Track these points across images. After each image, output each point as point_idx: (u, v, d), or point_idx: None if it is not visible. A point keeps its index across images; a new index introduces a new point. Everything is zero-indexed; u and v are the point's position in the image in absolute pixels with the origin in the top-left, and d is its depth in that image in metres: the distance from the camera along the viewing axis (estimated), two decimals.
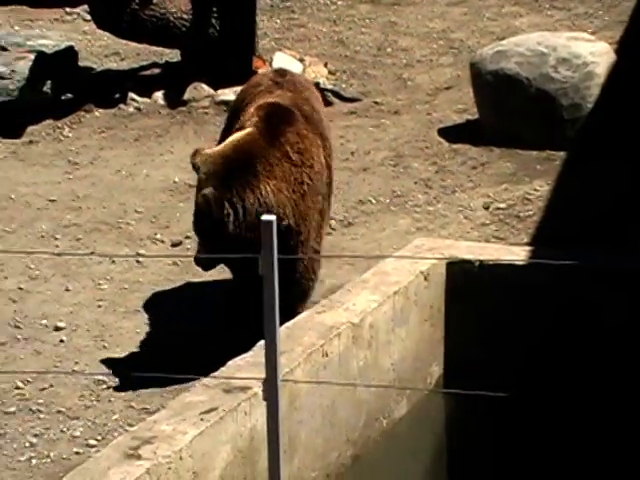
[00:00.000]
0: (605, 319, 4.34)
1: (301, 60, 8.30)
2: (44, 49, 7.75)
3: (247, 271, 4.31)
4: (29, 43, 7.83)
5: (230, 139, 4.58)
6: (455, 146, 6.83)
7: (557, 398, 4.22)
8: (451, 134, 7.01)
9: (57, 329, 5.06)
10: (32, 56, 7.57)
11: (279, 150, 4.48)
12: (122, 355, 4.87)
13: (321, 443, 4.15)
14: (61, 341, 4.97)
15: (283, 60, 8.20)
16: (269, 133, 4.49)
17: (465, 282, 4.59)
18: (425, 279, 4.64)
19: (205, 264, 4.58)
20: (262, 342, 3.32)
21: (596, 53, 6.74)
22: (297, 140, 4.53)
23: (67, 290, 5.42)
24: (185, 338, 4.98)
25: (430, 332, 4.69)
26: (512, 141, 6.59)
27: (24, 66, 7.50)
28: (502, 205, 6.06)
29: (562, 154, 6.55)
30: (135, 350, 4.90)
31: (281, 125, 4.52)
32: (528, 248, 4.75)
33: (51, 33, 8.62)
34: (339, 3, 10.05)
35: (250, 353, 4.13)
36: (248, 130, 4.55)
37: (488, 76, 6.83)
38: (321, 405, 4.12)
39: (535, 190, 6.17)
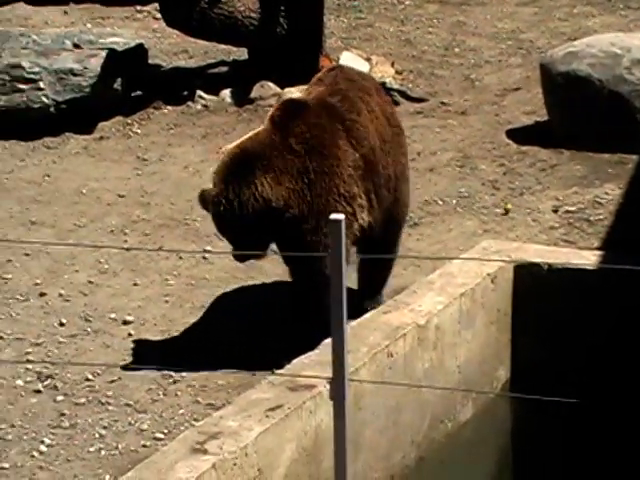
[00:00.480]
0: None
1: (368, 59, 8.28)
2: (115, 47, 7.86)
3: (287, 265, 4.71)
4: (101, 41, 7.95)
5: (241, 138, 4.85)
6: (524, 148, 6.76)
7: (626, 402, 4.16)
8: (519, 136, 6.94)
9: (125, 323, 5.13)
10: (104, 54, 7.68)
11: (281, 144, 4.64)
12: (189, 350, 4.92)
13: (385, 444, 4.15)
14: (129, 335, 5.04)
15: (350, 59, 8.20)
16: (274, 129, 4.69)
17: (533, 285, 4.55)
18: (492, 282, 4.61)
19: (237, 257, 4.85)
20: (328, 340, 3.32)
21: None
22: (303, 130, 4.67)
23: (135, 285, 5.49)
24: (251, 335, 5.01)
25: (496, 335, 4.65)
26: (583, 144, 6.52)
27: (96, 63, 7.61)
28: (572, 208, 5.98)
29: (635, 157, 6.44)
30: (201, 345, 4.94)
31: (288, 119, 4.70)
32: (598, 252, 4.68)
33: (122, 31, 8.74)
34: (407, 3, 10.02)
35: (316, 351, 4.14)
36: (258, 129, 4.82)
37: (559, 77, 6.75)
38: (385, 406, 4.12)
39: (606, 194, 6.07)
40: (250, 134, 4.80)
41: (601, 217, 5.86)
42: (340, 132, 4.76)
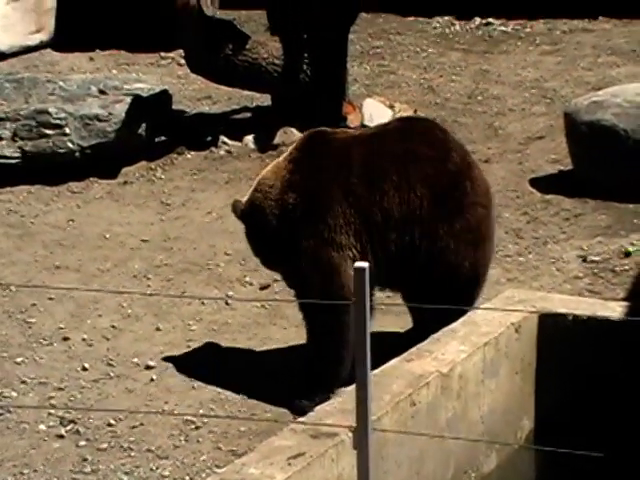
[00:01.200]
0: None
1: (391, 107, 8.33)
2: (140, 92, 7.94)
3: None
4: (126, 87, 8.04)
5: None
6: (548, 197, 6.75)
7: None
8: (543, 184, 6.94)
9: (148, 368, 5.13)
10: (128, 99, 7.76)
11: (284, 167, 5.00)
12: (211, 396, 4.90)
13: None
14: (152, 380, 5.03)
15: (373, 106, 8.26)
16: (285, 158, 5.09)
17: (558, 336, 4.51)
18: (516, 331, 4.57)
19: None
20: (351, 388, 3.31)
21: None
22: (303, 171, 4.95)
23: (158, 329, 5.50)
24: (273, 381, 4.99)
25: (520, 385, 4.61)
26: (608, 193, 6.50)
27: (121, 109, 7.68)
28: (597, 258, 5.96)
29: None
30: (223, 392, 4.92)
31: (300, 152, 5.03)
32: (624, 303, 4.64)
33: (147, 77, 8.85)
34: (430, 50, 10.09)
35: (338, 399, 4.11)
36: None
37: (583, 127, 6.75)
38: (408, 455, 4.07)
39: (632, 244, 6.05)
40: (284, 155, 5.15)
41: (626, 267, 5.83)
42: (338, 186, 4.84)
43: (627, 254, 5.88)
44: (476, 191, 4.97)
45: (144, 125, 7.80)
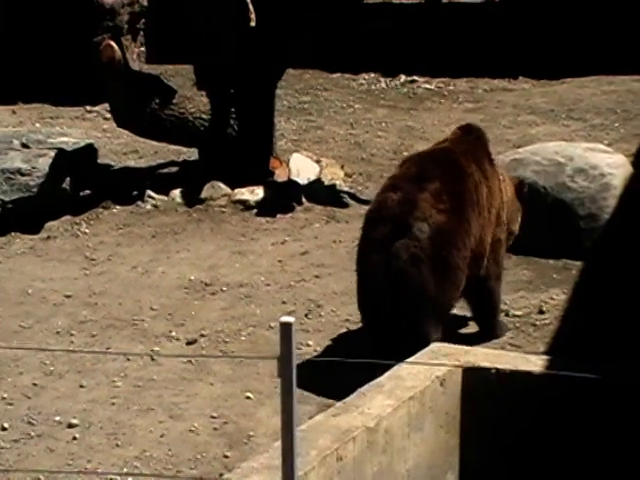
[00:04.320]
0: (623, 435, 4.29)
1: (318, 162, 8.41)
2: (64, 146, 7.89)
3: None
4: (50, 140, 7.98)
5: None
6: None
7: None
8: None
9: (70, 426, 5.03)
10: (52, 153, 7.70)
11: None
12: (135, 454, 4.83)
13: None
14: (74, 438, 4.94)
15: (300, 161, 8.33)
16: None
17: (481, 389, 4.55)
18: (441, 385, 4.60)
19: None
20: (277, 444, 3.28)
21: (613, 165, 6.82)
22: None
23: (81, 387, 5.40)
24: (198, 438, 4.93)
25: (445, 439, 4.63)
26: (529, 249, 6.61)
27: (44, 163, 7.62)
28: (518, 312, 6.06)
29: (578, 263, 6.57)
30: (148, 450, 4.85)
31: None
32: (545, 357, 4.72)
33: (72, 131, 8.80)
34: (356, 106, 10.24)
35: (265, 455, 4.08)
36: None
37: None
38: None
39: (551, 299, 6.16)
40: None
41: (547, 322, 5.95)
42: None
43: (541, 312, 6.02)
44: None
45: (68, 179, 7.74)
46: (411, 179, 5.26)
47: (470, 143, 5.64)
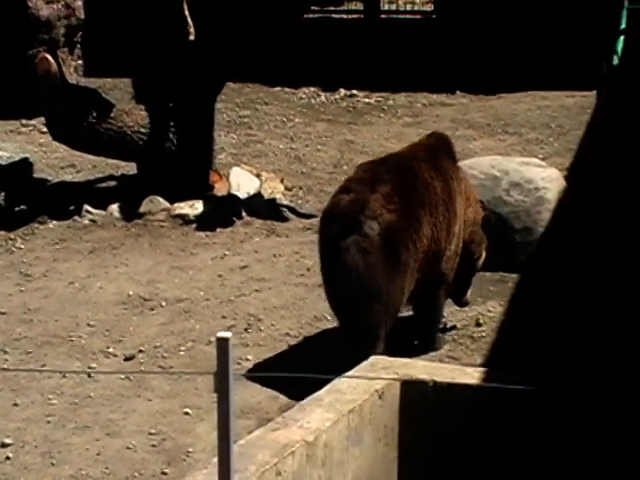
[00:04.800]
0: (560, 446, 4.34)
1: (258, 175, 8.40)
2: None
3: None
4: None
5: None
6: None
7: None
8: None
9: (4, 445, 4.93)
10: None
11: None
12: (71, 472, 4.75)
13: None
14: (7, 458, 4.84)
15: (240, 175, 8.31)
16: None
17: (419, 402, 4.57)
18: (380, 398, 4.61)
19: None
20: (215, 460, 3.26)
21: (547, 179, 6.92)
22: None
23: (15, 405, 5.30)
24: (134, 455, 4.88)
25: (384, 452, 4.64)
26: None
27: None
28: (456, 325, 6.11)
29: (514, 276, 6.65)
30: (84, 468, 4.78)
31: None
32: (482, 369, 4.77)
33: (6, 145, 8.68)
34: (296, 120, 10.27)
35: (204, 471, 4.04)
36: None
37: None
38: None
39: (488, 311, 6.23)
40: None
41: (483, 334, 6.00)
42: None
43: (478, 324, 6.09)
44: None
45: (3, 194, 7.62)
46: (364, 182, 5.43)
47: (430, 149, 5.79)
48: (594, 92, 9.95)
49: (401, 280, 5.29)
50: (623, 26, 10.01)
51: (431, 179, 5.54)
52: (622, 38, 9.85)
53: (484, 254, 6.07)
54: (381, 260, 5.20)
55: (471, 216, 5.88)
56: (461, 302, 6.09)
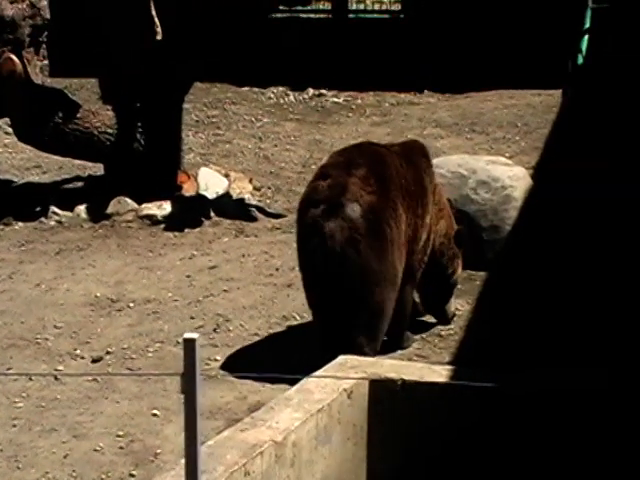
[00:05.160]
0: (525, 441, 4.36)
1: (226, 175, 8.38)
2: None
3: None
4: None
5: None
6: None
7: None
8: None
9: None
10: None
11: None
12: (37, 476, 4.71)
13: None
14: None
15: (208, 175, 8.28)
16: None
17: (388, 400, 4.58)
18: (348, 397, 4.61)
19: None
20: (183, 461, 3.24)
21: (514, 177, 6.96)
22: None
23: None
24: (102, 457, 4.84)
25: (353, 451, 4.64)
26: None
27: None
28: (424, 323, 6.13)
29: (482, 274, 6.68)
30: (51, 471, 4.74)
31: None
32: (450, 367, 4.78)
33: None
34: (265, 120, 10.26)
35: (172, 473, 4.02)
36: None
37: None
38: None
39: (456, 309, 6.25)
40: None
41: (452, 332, 6.02)
42: None
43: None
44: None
45: None
46: (339, 166, 5.43)
47: (404, 146, 5.93)
48: (560, 91, 10.02)
49: (392, 256, 5.30)
50: (587, 25, 10.09)
51: (402, 167, 5.60)
52: (586, 37, 9.93)
53: (459, 270, 6.08)
54: (368, 242, 5.19)
55: (443, 228, 5.89)
56: (442, 319, 6.07)
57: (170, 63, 7.91)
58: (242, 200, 8.07)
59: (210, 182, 8.16)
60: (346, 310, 5.24)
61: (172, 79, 8.01)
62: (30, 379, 5.49)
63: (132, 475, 4.73)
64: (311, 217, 5.24)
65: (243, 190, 8.21)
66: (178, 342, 5.83)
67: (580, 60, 9.65)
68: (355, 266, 5.17)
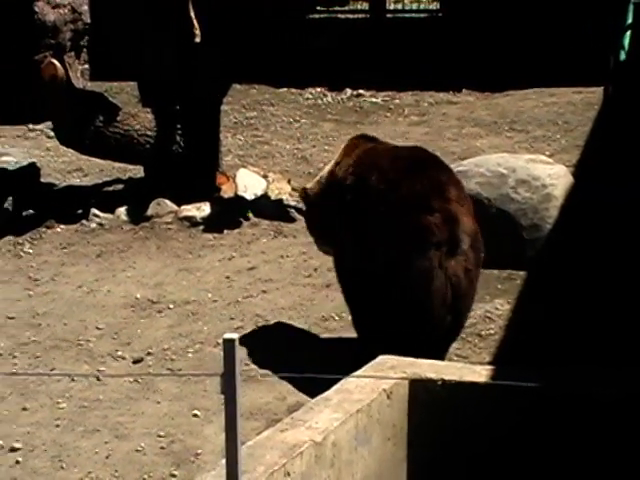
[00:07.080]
0: (568, 444, 4.33)
1: (265, 177, 8.40)
2: (6, 166, 7.82)
3: None
4: None
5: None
6: None
7: None
8: None
9: (13, 450, 4.94)
10: None
11: None
12: (80, 476, 4.75)
13: None
14: (17, 462, 4.84)
15: (247, 176, 8.31)
16: None
17: (428, 401, 4.56)
18: (388, 397, 4.60)
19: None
20: (224, 461, 3.26)
21: (554, 175, 6.90)
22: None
23: (24, 409, 5.31)
24: (145, 458, 4.88)
25: (393, 451, 4.63)
26: None
27: None
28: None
29: (522, 274, 6.63)
30: (93, 471, 4.78)
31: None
32: (490, 367, 4.75)
33: (14, 150, 8.71)
34: (302, 121, 10.27)
35: (212, 473, 4.04)
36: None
37: None
38: None
39: (496, 309, 6.21)
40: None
41: (492, 332, 5.98)
42: None
43: (486, 322, 6.09)
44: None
45: (10, 199, 7.64)
46: (434, 193, 5.24)
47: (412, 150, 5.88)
48: (601, 88, 9.92)
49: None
50: (630, 21, 9.98)
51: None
52: (629, 33, 9.81)
53: None
54: (476, 272, 5.33)
55: None
56: None
57: (209, 65, 7.95)
58: (280, 201, 8.09)
59: (249, 183, 8.19)
60: (446, 336, 5.39)
61: (211, 81, 8.04)
62: (73, 380, 5.55)
63: (173, 475, 4.77)
64: (434, 258, 5.16)
65: (281, 191, 8.23)
66: (218, 343, 5.86)
67: (622, 56, 9.53)
68: (471, 298, 5.34)
